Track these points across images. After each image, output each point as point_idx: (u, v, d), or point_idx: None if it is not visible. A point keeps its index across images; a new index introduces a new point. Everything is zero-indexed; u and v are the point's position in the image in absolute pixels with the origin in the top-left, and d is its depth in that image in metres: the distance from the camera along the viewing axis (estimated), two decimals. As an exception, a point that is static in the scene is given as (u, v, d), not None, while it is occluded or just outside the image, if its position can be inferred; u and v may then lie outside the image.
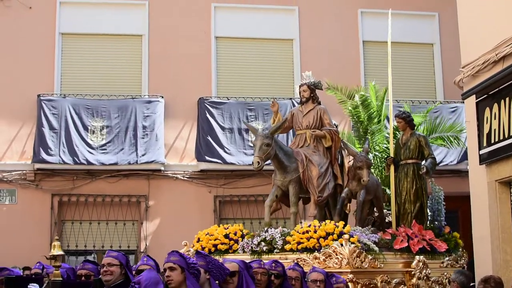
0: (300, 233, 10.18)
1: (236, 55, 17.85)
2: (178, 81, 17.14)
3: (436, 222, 11.94)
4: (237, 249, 10.70)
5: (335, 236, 10.03)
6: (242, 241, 10.74)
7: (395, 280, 10.11)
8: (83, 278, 8.43)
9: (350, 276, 9.61)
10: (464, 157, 16.22)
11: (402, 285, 10.17)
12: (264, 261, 8.04)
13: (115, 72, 17.29)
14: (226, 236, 10.93)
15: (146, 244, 16.45)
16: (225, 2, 17.96)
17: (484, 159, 11.60)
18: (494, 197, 11.38)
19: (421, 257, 10.39)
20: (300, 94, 11.80)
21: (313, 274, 8.45)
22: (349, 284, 9.51)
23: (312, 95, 11.68)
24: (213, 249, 10.82)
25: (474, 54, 12.03)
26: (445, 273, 10.70)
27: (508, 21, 11.09)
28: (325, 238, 10.03)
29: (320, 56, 17.08)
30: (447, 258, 10.93)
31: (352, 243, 9.84)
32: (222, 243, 10.86)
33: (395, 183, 11.64)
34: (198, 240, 11.15)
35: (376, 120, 14.61)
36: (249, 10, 18.02)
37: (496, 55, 11.22)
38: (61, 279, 7.82)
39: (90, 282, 8.26)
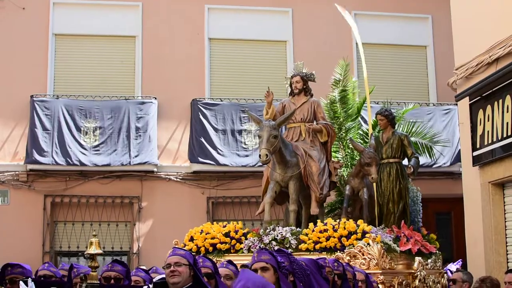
0: (316, 232, 9.84)
1: (229, 56, 17.82)
2: (172, 83, 17.11)
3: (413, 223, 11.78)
4: (240, 249, 10.23)
5: (358, 235, 9.72)
6: (245, 240, 10.28)
7: (404, 282, 9.84)
8: (112, 281, 7.71)
9: (381, 277, 9.32)
10: (457, 159, 16.23)
11: (408, 287, 9.89)
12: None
13: (108, 73, 17.24)
14: (227, 234, 10.47)
15: (139, 245, 16.42)
16: (219, 4, 17.93)
17: (478, 161, 11.63)
18: (487, 198, 11.41)
19: (420, 258, 10.22)
20: (291, 85, 11.48)
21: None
22: (380, 286, 9.22)
23: (304, 86, 11.39)
24: (211, 248, 10.37)
25: (468, 56, 12.07)
26: (430, 275, 10.60)
27: (501, 23, 11.13)
28: (347, 237, 9.74)
29: (313, 58, 17.02)
30: (430, 260, 10.81)
31: (377, 243, 9.57)
32: (221, 242, 10.37)
33: (377, 182, 11.40)
34: (192, 239, 10.65)
35: (353, 117, 14.18)
36: (243, 11, 18.01)
37: (490, 57, 11.26)
38: (98, 282, 7.05)
39: (135, 287, 7.73)
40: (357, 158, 12.92)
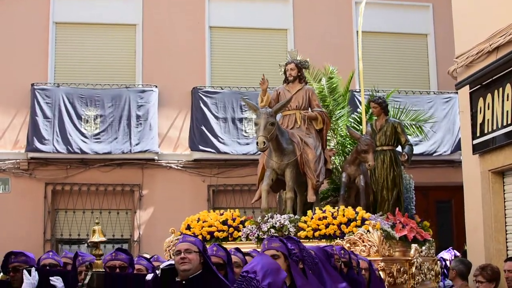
0: (315, 219, 9.74)
1: (230, 45, 17.81)
2: (172, 71, 17.12)
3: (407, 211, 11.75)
4: (238, 236, 10.08)
5: (358, 222, 9.62)
6: (243, 228, 10.14)
7: (402, 269, 9.78)
8: (117, 270, 7.64)
9: (382, 264, 9.22)
10: (457, 147, 16.25)
11: (405, 274, 9.84)
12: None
13: (109, 61, 17.26)
14: (225, 222, 10.34)
15: (139, 233, 16.46)
16: (219, -8, 17.96)
17: (477, 149, 11.63)
18: (487, 187, 11.42)
19: (416, 245, 10.20)
20: (286, 72, 11.33)
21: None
22: (381, 273, 9.06)
23: (299, 74, 11.24)
24: (208, 237, 10.17)
25: (468, 44, 12.06)
26: (425, 262, 10.59)
27: (502, 11, 11.12)
28: (346, 224, 9.64)
29: (314, 46, 17.05)
30: (424, 247, 10.79)
31: (377, 229, 9.46)
32: (219, 230, 10.23)
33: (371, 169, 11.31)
34: (188, 227, 10.49)
35: (342, 105, 14.04)
36: (244, 0, 17.99)
37: (490, 45, 11.25)
38: (104, 270, 6.83)
39: (139, 275, 7.53)
40: (348, 146, 12.92)
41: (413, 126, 14.25)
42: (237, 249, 7.61)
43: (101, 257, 6.81)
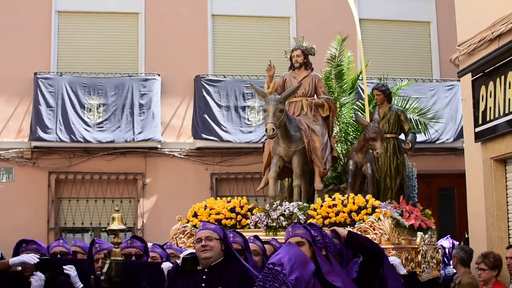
0: (325, 207, 9.64)
1: (233, 33, 17.81)
2: (175, 59, 17.12)
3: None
4: (247, 224, 9.97)
5: (369, 210, 9.53)
6: (251, 215, 10.03)
7: (409, 257, 9.70)
8: (133, 257, 7.71)
9: (394, 252, 9.10)
10: (460, 135, 16.25)
11: (412, 262, 9.76)
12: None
13: (111, 50, 17.25)
14: (232, 210, 10.20)
15: (143, 222, 16.51)
16: (222, -20, 17.93)
17: (480, 137, 11.63)
18: (489, 174, 11.42)
19: (422, 233, 10.14)
20: (292, 59, 11.28)
21: None
22: None
23: (305, 60, 11.20)
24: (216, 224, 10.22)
25: (470, 32, 12.04)
26: (428, 250, 10.57)
27: (504, -1, 11.12)
28: (357, 212, 9.54)
29: (316, 34, 16.98)
30: (427, 235, 10.78)
31: (387, 217, 9.36)
32: (227, 218, 10.09)
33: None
34: (195, 215, 10.36)
35: (347, 92, 13.94)
36: (246, -12, 17.99)
37: (492, 33, 11.23)
38: (122, 259, 6.83)
39: (156, 263, 7.62)
40: (352, 134, 12.89)
41: (419, 123, 14.19)
42: (256, 237, 7.58)
43: (119, 245, 6.79)
